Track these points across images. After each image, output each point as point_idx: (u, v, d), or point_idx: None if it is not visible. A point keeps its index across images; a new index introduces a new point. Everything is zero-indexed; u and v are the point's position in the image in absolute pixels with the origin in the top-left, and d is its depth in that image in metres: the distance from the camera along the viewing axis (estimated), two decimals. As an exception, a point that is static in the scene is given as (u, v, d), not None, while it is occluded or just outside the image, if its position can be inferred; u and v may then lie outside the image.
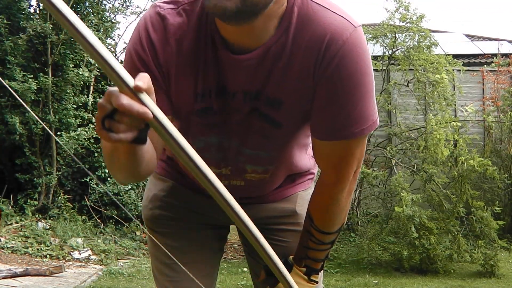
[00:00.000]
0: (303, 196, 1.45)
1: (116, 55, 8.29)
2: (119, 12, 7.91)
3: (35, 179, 6.68)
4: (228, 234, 1.54)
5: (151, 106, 0.77)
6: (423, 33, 6.47)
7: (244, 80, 1.12)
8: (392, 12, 6.79)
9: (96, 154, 6.97)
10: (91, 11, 7.57)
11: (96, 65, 7.39)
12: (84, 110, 7.28)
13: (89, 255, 5.74)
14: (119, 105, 0.75)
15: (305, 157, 1.43)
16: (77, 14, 7.67)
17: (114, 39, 8.34)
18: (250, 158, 1.26)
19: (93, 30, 7.09)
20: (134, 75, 1.09)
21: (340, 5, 1.13)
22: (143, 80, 0.77)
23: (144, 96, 0.77)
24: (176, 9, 1.11)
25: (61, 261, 5.42)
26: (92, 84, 7.46)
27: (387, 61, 7.05)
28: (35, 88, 6.43)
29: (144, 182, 6.85)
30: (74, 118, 6.96)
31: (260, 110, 1.16)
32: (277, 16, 1.07)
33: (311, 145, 1.46)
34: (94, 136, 6.88)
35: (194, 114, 1.18)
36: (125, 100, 0.75)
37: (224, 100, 1.15)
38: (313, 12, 1.08)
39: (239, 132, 1.21)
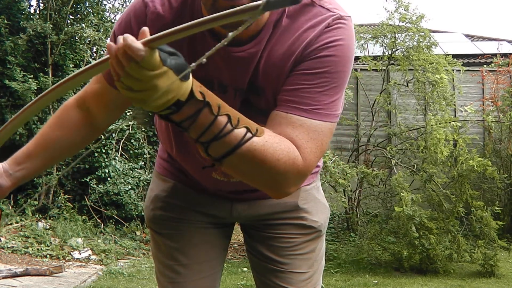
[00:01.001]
0: (306, 190, 1.43)
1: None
2: (119, 12, 7.91)
3: (35, 179, 6.68)
4: (232, 232, 1.53)
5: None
6: (423, 33, 6.48)
7: (235, 74, 1.12)
8: (391, 12, 6.80)
9: (96, 154, 6.97)
10: (91, 11, 7.58)
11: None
12: (84, 110, 7.28)
13: (89, 255, 5.74)
14: None
15: None
16: (77, 14, 7.73)
17: (114, 39, 8.35)
18: None
19: (93, 30, 7.10)
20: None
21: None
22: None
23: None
24: None
25: (61, 261, 5.42)
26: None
27: (387, 61, 7.06)
28: (35, 88, 6.43)
29: (144, 182, 6.79)
30: (74, 118, 6.96)
31: (249, 100, 1.16)
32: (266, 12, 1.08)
33: None
34: (94, 136, 6.88)
35: None
36: None
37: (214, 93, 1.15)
38: (300, 8, 1.09)
39: None
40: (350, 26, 1.10)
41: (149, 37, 0.78)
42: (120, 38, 0.79)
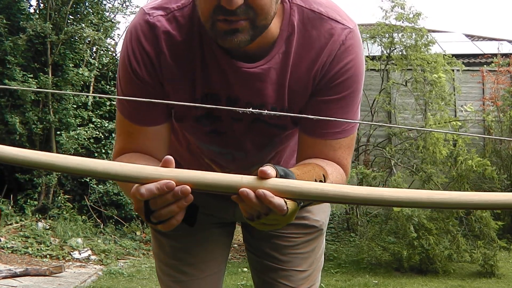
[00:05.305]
0: None
1: (116, 55, 8.29)
2: (119, 12, 7.91)
3: (35, 179, 6.68)
4: (234, 230, 1.54)
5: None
6: (420, 32, 6.46)
7: (247, 90, 1.13)
8: (387, 11, 6.76)
9: (96, 154, 6.97)
10: (91, 11, 7.58)
11: (96, 64, 7.43)
12: (84, 109, 7.29)
13: (89, 255, 5.74)
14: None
15: None
16: (77, 14, 7.73)
17: (114, 39, 8.36)
18: (255, 160, 1.27)
19: (93, 30, 7.10)
20: (131, 88, 1.14)
21: (335, 3, 1.16)
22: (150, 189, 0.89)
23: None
24: (166, 15, 1.11)
25: (61, 261, 5.42)
26: (92, 84, 7.46)
27: (385, 61, 7.04)
28: (35, 88, 6.43)
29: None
30: (74, 118, 6.97)
31: (264, 120, 1.18)
32: (275, 27, 1.09)
33: None
34: (94, 136, 6.89)
35: (193, 120, 1.19)
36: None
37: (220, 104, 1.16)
38: (309, 21, 1.11)
39: (242, 142, 1.23)
40: (358, 36, 1.13)
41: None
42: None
